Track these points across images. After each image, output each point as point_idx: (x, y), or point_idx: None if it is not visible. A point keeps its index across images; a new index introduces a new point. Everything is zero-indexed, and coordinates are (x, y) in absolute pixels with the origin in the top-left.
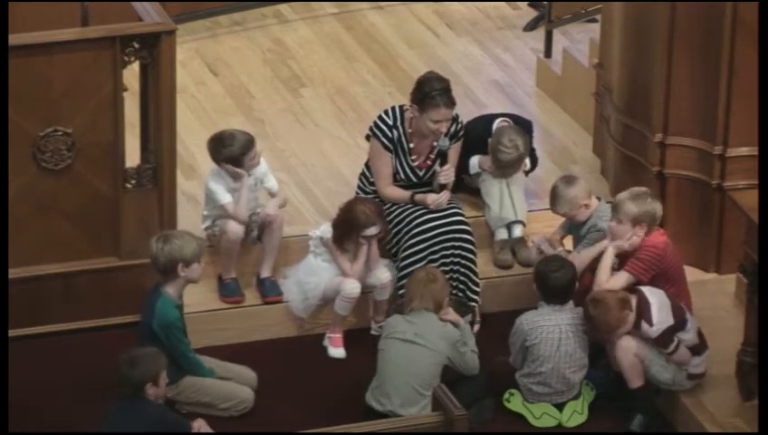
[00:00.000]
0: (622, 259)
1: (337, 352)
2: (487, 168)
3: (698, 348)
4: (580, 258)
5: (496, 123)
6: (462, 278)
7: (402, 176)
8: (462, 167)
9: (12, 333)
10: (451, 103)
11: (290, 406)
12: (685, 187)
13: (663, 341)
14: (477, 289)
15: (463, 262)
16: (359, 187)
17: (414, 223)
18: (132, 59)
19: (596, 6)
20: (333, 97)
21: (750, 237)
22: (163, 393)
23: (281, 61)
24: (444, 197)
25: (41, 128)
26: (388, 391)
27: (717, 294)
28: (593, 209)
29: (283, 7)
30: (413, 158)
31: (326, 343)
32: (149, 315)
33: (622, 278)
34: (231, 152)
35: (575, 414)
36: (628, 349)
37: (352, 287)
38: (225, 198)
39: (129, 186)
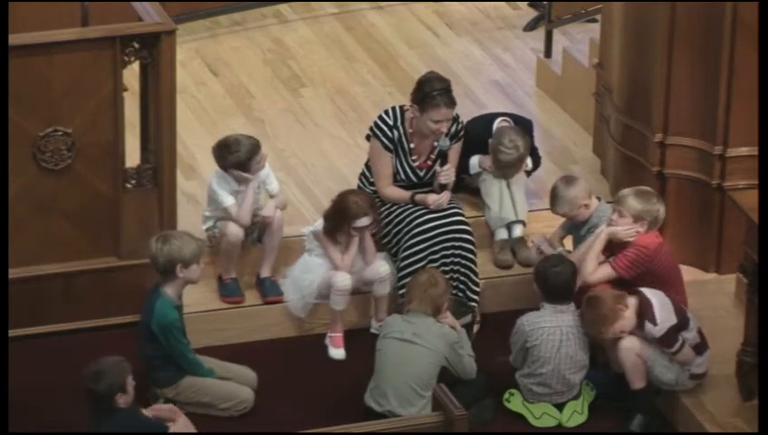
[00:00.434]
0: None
1: (337, 353)
2: (487, 167)
3: (700, 347)
4: (579, 254)
5: (496, 123)
6: (462, 278)
7: (402, 176)
8: (462, 167)
9: (12, 333)
10: (451, 103)
11: (290, 406)
12: (685, 187)
13: (667, 340)
14: (477, 289)
15: (463, 262)
16: (359, 187)
17: (414, 223)
18: (132, 59)
19: (596, 6)
20: (333, 97)
21: (750, 237)
22: (132, 397)
23: (281, 61)
24: (444, 197)
25: (41, 128)
26: (386, 391)
27: (717, 294)
28: (593, 209)
29: (283, 7)
30: (413, 158)
31: (327, 342)
32: (149, 316)
33: (603, 271)
34: (238, 158)
35: (575, 414)
36: (630, 349)
37: (342, 279)
38: (228, 200)
39: (129, 186)
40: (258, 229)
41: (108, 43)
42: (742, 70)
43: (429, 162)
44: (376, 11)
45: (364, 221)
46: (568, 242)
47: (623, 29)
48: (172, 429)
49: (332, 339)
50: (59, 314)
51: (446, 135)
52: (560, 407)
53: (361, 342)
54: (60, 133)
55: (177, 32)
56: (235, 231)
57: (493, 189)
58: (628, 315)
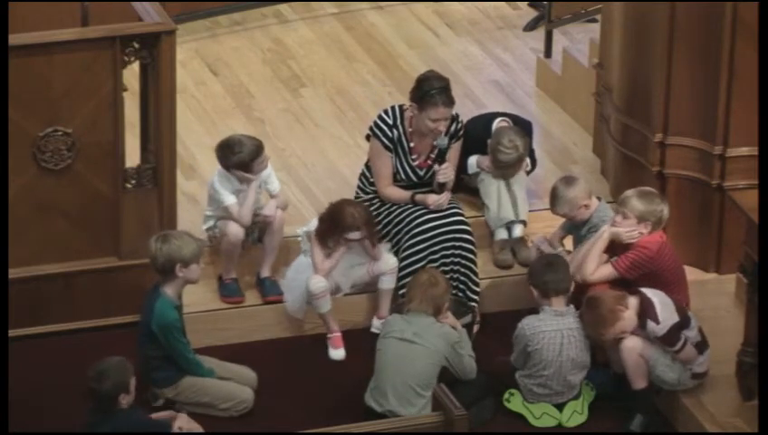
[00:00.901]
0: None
1: (337, 353)
2: (485, 167)
3: (701, 346)
4: (580, 253)
5: (496, 123)
6: (462, 278)
7: (402, 176)
8: (461, 166)
9: (12, 333)
10: (450, 102)
11: (290, 406)
12: (685, 187)
13: (670, 339)
14: (477, 289)
15: (463, 262)
16: (359, 187)
17: (414, 223)
18: (132, 59)
19: (596, 6)
20: (333, 97)
21: (750, 237)
22: (133, 397)
23: (281, 61)
24: (444, 198)
25: (41, 128)
26: (386, 391)
27: (717, 294)
28: (593, 210)
29: (283, 7)
30: (413, 157)
31: (328, 343)
32: (148, 316)
33: (604, 271)
34: (240, 159)
35: (575, 414)
36: (633, 349)
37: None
38: (229, 199)
39: (129, 186)
40: (258, 229)
41: (108, 43)
42: (742, 70)
43: (429, 162)
44: (376, 11)
45: (356, 235)
46: (568, 242)
47: (623, 29)
48: (175, 424)
49: (331, 339)
50: (59, 314)
51: (446, 134)
52: (560, 407)
53: (361, 342)
54: (60, 133)
55: (177, 32)
56: (235, 231)
57: (491, 189)
58: (629, 316)
